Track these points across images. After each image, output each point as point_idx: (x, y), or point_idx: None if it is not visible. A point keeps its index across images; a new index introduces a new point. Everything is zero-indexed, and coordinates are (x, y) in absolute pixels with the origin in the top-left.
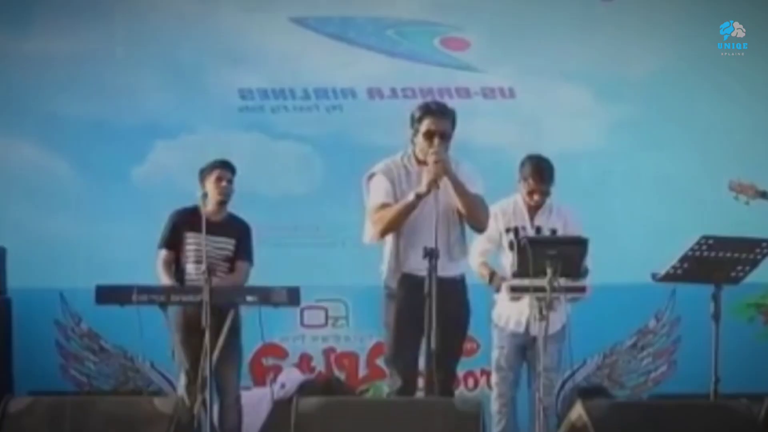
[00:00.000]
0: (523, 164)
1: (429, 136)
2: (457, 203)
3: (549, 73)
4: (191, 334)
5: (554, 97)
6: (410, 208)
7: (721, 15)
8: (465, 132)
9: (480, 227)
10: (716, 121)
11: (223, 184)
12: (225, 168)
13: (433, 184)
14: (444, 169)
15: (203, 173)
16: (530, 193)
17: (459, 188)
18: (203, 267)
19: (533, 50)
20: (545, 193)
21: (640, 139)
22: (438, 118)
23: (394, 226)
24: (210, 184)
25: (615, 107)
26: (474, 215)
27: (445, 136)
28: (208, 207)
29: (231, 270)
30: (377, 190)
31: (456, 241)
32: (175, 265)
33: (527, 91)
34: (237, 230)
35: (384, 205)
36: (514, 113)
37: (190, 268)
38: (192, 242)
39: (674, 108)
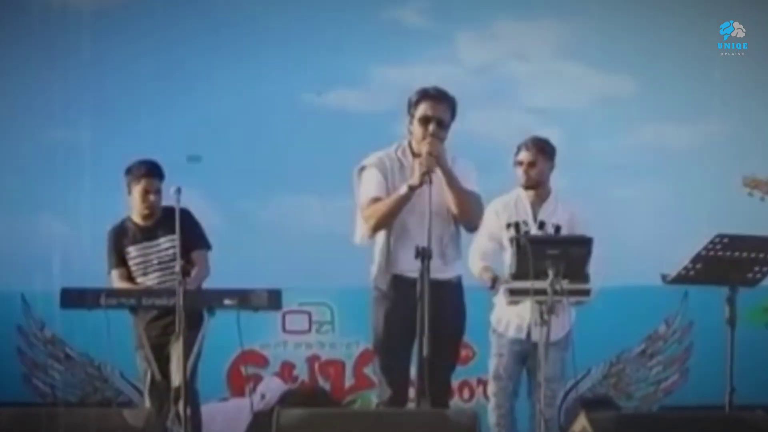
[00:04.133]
0: (518, 146)
1: (425, 121)
2: (448, 197)
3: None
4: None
5: (555, 94)
6: (403, 201)
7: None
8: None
9: (471, 226)
10: (729, 117)
11: (151, 198)
12: (153, 176)
13: (426, 175)
14: (437, 159)
15: (129, 176)
16: (518, 165)
17: (451, 181)
18: (176, 267)
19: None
20: (533, 165)
21: (648, 132)
22: (435, 103)
23: (387, 221)
24: (136, 194)
25: (621, 103)
26: (464, 212)
27: (443, 124)
28: (138, 216)
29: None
30: (369, 184)
31: (450, 241)
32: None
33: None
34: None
35: (376, 200)
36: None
37: (139, 281)
38: (134, 255)
39: (684, 102)
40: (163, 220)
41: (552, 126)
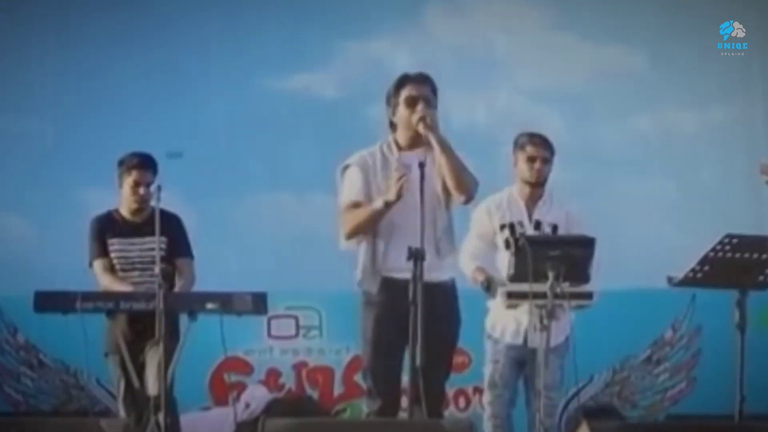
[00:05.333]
0: (516, 139)
1: (411, 102)
2: (443, 168)
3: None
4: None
5: (545, 72)
6: (378, 215)
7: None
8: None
9: (467, 196)
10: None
11: (141, 191)
12: (144, 168)
13: (401, 191)
14: (431, 127)
15: (121, 167)
16: (530, 161)
17: (445, 149)
18: (156, 270)
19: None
20: (547, 161)
21: (653, 117)
22: (419, 84)
23: (361, 232)
24: (126, 188)
25: (623, 82)
26: (461, 181)
27: (429, 104)
28: (128, 210)
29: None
30: (350, 186)
31: (444, 232)
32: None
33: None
34: (165, 226)
35: (355, 204)
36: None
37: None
38: (116, 249)
39: (695, 82)
40: (152, 219)
41: (542, 110)
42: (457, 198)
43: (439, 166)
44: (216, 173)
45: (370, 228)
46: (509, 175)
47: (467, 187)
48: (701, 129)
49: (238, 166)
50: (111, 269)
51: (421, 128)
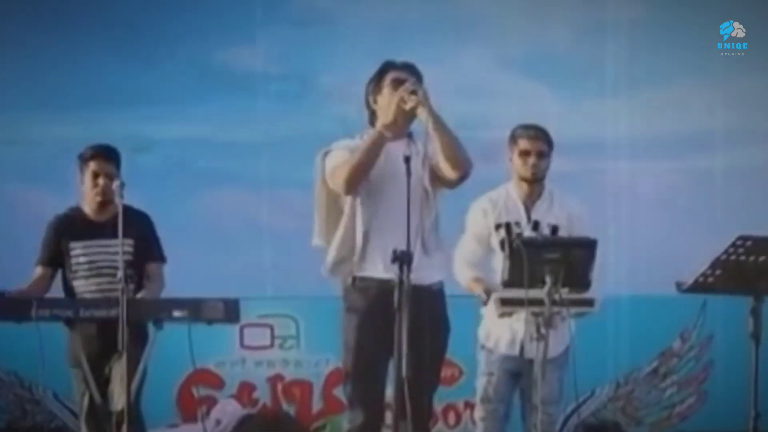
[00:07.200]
0: (511, 132)
1: (399, 84)
2: (436, 144)
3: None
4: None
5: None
6: (376, 145)
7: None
8: None
9: (463, 171)
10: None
11: (101, 181)
12: (104, 159)
13: (404, 112)
14: (421, 100)
15: (80, 161)
16: (524, 155)
17: (441, 125)
18: (119, 274)
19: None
20: (543, 155)
21: (660, 91)
22: (405, 70)
23: (362, 170)
24: (87, 180)
25: (623, 39)
26: (456, 157)
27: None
28: (90, 207)
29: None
30: (335, 159)
31: (431, 228)
32: (63, 284)
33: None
34: (133, 227)
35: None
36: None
37: (79, 285)
38: (78, 253)
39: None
40: (117, 218)
41: (527, 85)
42: (452, 175)
43: (432, 143)
44: (171, 167)
45: (367, 167)
46: (493, 166)
47: (462, 163)
48: (717, 108)
49: (193, 158)
50: (43, 279)
51: (411, 102)
